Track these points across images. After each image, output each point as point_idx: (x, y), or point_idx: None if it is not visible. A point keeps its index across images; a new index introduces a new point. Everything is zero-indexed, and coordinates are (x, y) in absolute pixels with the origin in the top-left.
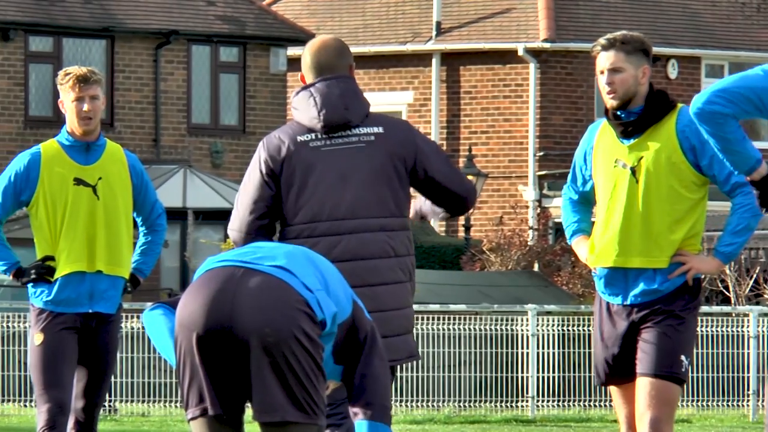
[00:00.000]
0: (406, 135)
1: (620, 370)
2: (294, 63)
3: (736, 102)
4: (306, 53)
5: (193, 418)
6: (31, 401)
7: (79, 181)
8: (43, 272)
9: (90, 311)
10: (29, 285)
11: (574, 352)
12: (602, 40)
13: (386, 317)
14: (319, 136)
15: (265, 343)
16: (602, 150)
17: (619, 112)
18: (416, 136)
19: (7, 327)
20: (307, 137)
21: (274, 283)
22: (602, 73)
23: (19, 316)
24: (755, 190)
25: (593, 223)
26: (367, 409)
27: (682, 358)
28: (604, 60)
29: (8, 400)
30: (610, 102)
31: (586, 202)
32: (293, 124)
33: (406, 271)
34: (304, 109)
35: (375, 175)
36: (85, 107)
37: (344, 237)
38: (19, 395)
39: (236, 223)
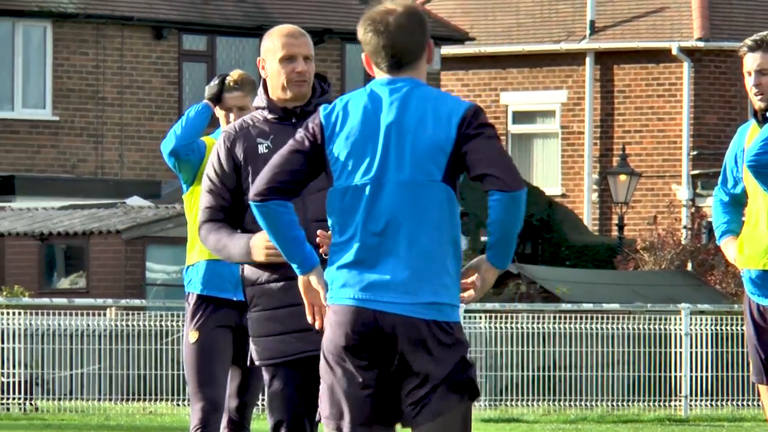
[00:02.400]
0: None
1: None
2: (447, 62)
3: None
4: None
5: None
6: (183, 400)
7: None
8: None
9: (235, 299)
10: (184, 273)
11: (727, 352)
12: (749, 41)
13: None
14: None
15: None
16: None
17: (766, 114)
18: None
19: (160, 326)
20: None
21: None
22: (749, 74)
23: (172, 315)
24: None
25: (743, 223)
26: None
27: None
28: (751, 61)
29: (161, 399)
30: (759, 104)
31: (736, 203)
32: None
33: None
34: None
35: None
36: (232, 118)
37: None
38: (172, 394)
39: None
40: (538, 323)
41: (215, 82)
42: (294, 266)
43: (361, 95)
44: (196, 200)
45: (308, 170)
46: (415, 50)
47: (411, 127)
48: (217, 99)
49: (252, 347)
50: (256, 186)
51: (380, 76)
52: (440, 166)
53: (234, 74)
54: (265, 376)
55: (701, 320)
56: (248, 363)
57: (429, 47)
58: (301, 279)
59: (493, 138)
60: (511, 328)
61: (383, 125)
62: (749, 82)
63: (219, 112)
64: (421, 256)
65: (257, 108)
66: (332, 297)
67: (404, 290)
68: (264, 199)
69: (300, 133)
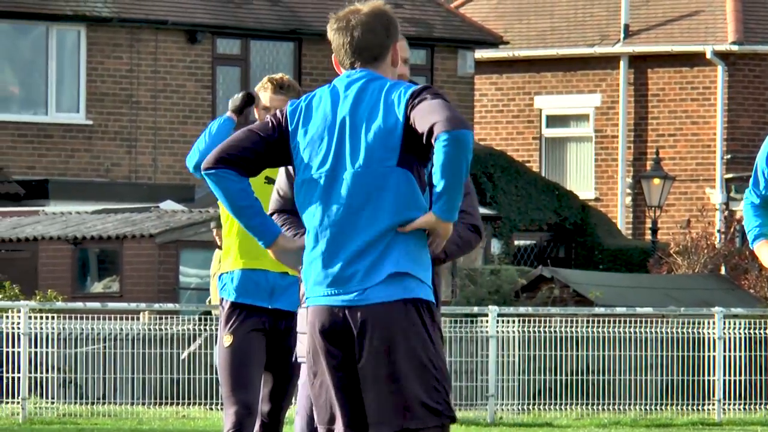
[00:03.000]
0: None
1: None
2: (481, 65)
3: None
4: None
5: None
6: (216, 404)
7: (269, 180)
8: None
9: (270, 307)
10: (219, 279)
11: (761, 356)
12: None
13: None
14: None
15: None
16: None
17: None
18: None
19: (194, 330)
20: None
21: None
22: None
23: (205, 320)
24: None
25: None
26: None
27: None
28: None
29: (194, 403)
30: None
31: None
32: None
33: None
34: None
35: None
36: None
37: None
38: (205, 398)
39: None
40: (571, 327)
41: (239, 95)
42: (256, 239)
43: (324, 91)
44: None
45: (264, 152)
46: (375, 49)
47: (364, 117)
48: (240, 112)
49: (299, 343)
50: (208, 156)
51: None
52: (394, 149)
53: (280, 76)
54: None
55: (735, 324)
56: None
57: (394, 49)
58: (270, 252)
59: (436, 97)
60: (545, 332)
61: (339, 118)
62: None
63: (260, 112)
64: (379, 245)
65: None
66: (307, 298)
67: (364, 282)
68: (212, 167)
69: (267, 119)
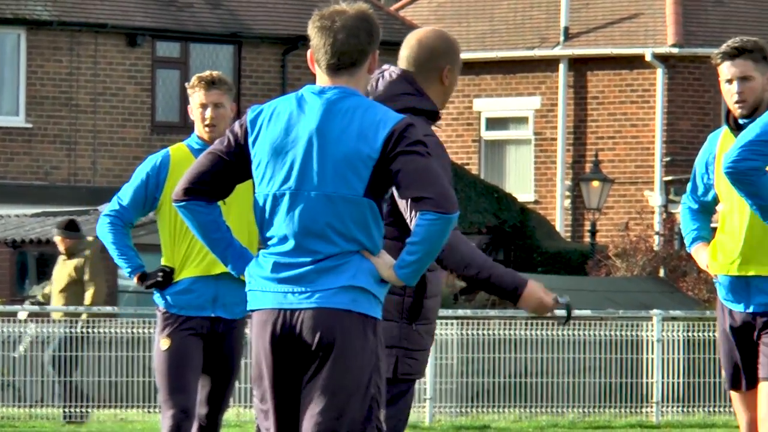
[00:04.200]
0: None
1: (743, 377)
2: None
3: (764, 151)
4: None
5: None
6: (154, 407)
7: None
8: (165, 277)
9: (212, 315)
10: (154, 290)
11: (699, 358)
12: (726, 49)
13: None
14: None
15: None
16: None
17: (741, 121)
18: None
19: (132, 333)
20: None
21: None
22: (729, 81)
23: (144, 322)
24: None
25: (713, 230)
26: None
27: None
28: (732, 68)
29: (132, 406)
30: (739, 111)
31: (705, 211)
32: None
33: None
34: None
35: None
36: (208, 114)
37: None
38: (143, 401)
39: None
40: (509, 329)
41: (159, 274)
42: (228, 268)
43: (291, 100)
44: (165, 213)
45: (228, 172)
46: (355, 54)
47: (334, 137)
48: (143, 280)
49: (405, 360)
50: (176, 187)
51: (319, 75)
52: (363, 179)
53: (208, 73)
54: (397, 389)
55: (673, 326)
56: (391, 375)
57: (373, 57)
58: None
59: (427, 156)
60: (483, 334)
61: (306, 133)
62: (731, 89)
63: (195, 111)
64: (337, 261)
65: None
66: (251, 304)
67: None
68: (181, 200)
69: (226, 134)
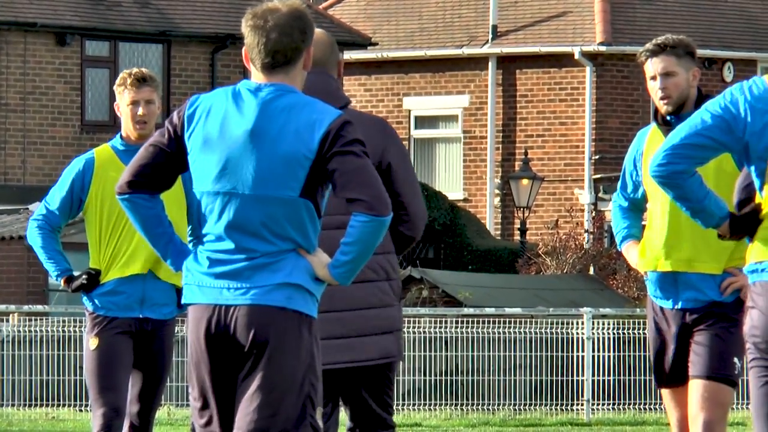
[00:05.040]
0: (375, 135)
1: (673, 374)
2: (350, 67)
3: (690, 154)
4: None
5: None
6: (85, 406)
7: None
8: (91, 279)
9: (141, 316)
10: (81, 292)
11: (629, 356)
12: (650, 46)
13: (354, 316)
14: None
15: None
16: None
17: (668, 117)
18: (387, 138)
19: (63, 332)
20: None
21: None
22: (654, 78)
23: (74, 321)
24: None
25: (643, 227)
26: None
27: (735, 360)
28: (656, 65)
29: (63, 405)
30: (665, 107)
31: (635, 208)
32: None
33: (378, 270)
34: None
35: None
36: (140, 111)
37: None
38: (74, 399)
39: None
40: (440, 328)
41: (84, 278)
42: (167, 263)
43: (227, 96)
44: (92, 214)
45: (169, 163)
46: (289, 53)
47: (270, 136)
48: (69, 282)
49: (400, 340)
50: (120, 180)
51: (254, 73)
52: (299, 179)
53: (137, 70)
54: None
55: (604, 324)
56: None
57: (308, 54)
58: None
59: (363, 156)
60: (414, 332)
61: (241, 133)
62: (655, 86)
63: (124, 109)
64: (271, 267)
65: None
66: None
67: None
68: (125, 192)
69: (165, 125)
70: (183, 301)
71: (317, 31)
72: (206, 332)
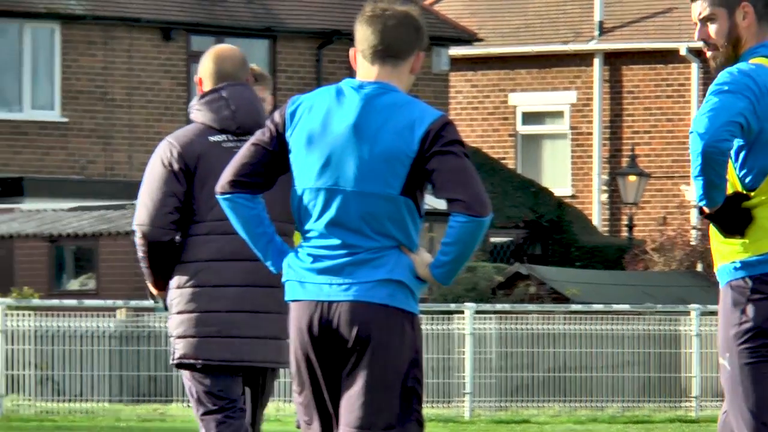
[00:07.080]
0: None
1: None
2: (456, 63)
3: (735, 132)
4: (209, 60)
5: None
6: None
7: None
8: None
9: None
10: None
11: None
12: None
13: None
14: (231, 138)
15: None
16: None
17: None
18: None
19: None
20: (219, 138)
21: None
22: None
23: None
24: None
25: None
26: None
27: None
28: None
29: (171, 401)
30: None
31: None
32: (197, 126)
33: None
34: (214, 110)
35: (286, 177)
36: None
37: None
38: (182, 395)
39: (147, 218)
40: (548, 324)
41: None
42: (267, 264)
43: (329, 94)
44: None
45: (271, 164)
46: (401, 48)
47: (371, 133)
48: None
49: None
50: (220, 179)
51: (360, 70)
52: (400, 177)
53: (254, 68)
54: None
55: (711, 321)
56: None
57: (417, 56)
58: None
59: (462, 157)
60: (521, 329)
61: (343, 129)
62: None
63: None
64: (373, 263)
65: None
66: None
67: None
68: (226, 192)
69: (265, 125)
70: (285, 298)
71: (232, 47)
72: (308, 328)
